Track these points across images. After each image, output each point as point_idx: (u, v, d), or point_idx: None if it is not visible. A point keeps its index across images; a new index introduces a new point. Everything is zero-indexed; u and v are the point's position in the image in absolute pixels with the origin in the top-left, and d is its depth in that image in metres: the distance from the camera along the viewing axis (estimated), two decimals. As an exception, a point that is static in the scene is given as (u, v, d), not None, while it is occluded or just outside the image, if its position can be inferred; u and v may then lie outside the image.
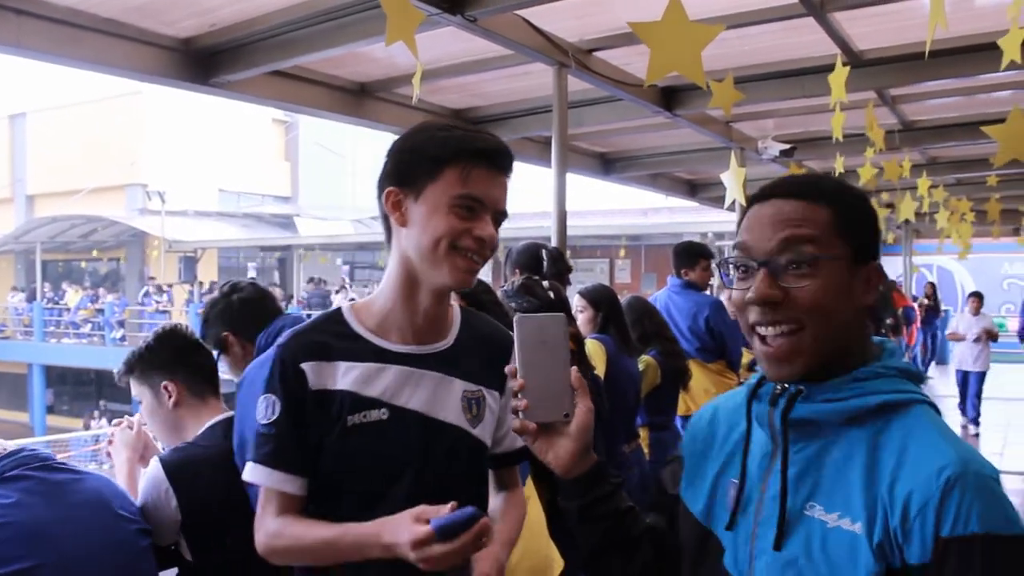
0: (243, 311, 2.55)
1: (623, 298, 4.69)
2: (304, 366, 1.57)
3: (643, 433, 4.25)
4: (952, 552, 1.05)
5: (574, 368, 1.34)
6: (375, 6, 4.09)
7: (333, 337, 1.61)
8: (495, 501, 1.80)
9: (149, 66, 4.64)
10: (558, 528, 2.62)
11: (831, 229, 1.20)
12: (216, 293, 2.67)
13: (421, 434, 1.60)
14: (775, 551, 1.19)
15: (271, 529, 1.59)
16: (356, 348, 1.60)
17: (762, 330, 1.23)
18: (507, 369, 1.35)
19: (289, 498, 1.59)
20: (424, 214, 1.54)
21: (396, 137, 1.65)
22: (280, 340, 1.64)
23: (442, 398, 1.62)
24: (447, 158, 1.53)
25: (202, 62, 4.83)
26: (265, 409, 1.59)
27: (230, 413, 2.31)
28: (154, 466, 2.12)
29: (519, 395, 1.31)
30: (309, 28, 4.48)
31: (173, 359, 2.35)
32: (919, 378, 1.24)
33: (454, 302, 1.73)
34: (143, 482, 2.13)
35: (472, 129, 1.59)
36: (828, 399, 1.19)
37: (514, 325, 1.35)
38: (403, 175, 1.57)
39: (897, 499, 1.09)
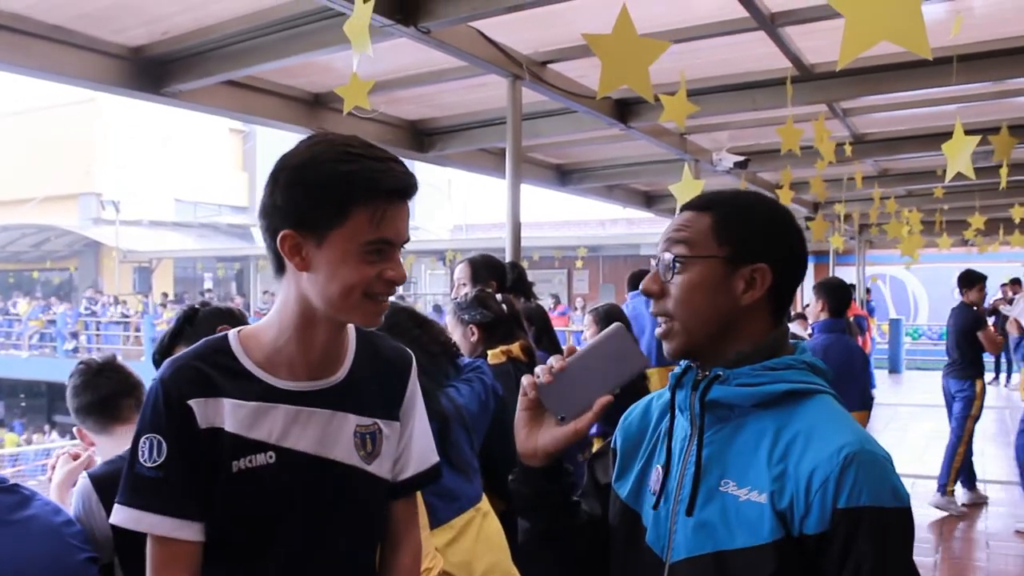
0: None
1: (600, 306, 4.75)
2: (191, 403, 1.41)
3: (598, 443, 4.26)
4: (844, 522, 1.17)
5: (608, 397, 1.32)
6: (329, 16, 4.08)
7: (219, 370, 1.45)
8: (388, 553, 1.68)
9: (98, 75, 4.60)
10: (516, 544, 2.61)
11: (707, 233, 1.35)
12: (183, 309, 2.54)
13: (310, 476, 1.48)
14: (687, 516, 1.30)
15: None
16: (242, 385, 1.45)
17: (656, 318, 1.40)
18: (566, 347, 1.38)
19: (186, 546, 1.43)
20: (331, 262, 1.38)
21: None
22: (161, 371, 1.46)
23: (333, 436, 1.50)
24: (356, 200, 1.36)
25: (153, 71, 4.78)
26: (149, 451, 1.42)
27: None
28: (82, 481, 2.07)
29: (553, 372, 1.32)
30: (263, 38, 4.46)
31: (72, 405, 2.36)
32: (825, 373, 1.36)
33: (350, 326, 1.58)
34: (73, 500, 2.09)
35: (375, 156, 1.40)
36: (742, 383, 1.30)
37: (611, 328, 1.37)
38: (302, 217, 1.38)
39: (802, 474, 1.21)
